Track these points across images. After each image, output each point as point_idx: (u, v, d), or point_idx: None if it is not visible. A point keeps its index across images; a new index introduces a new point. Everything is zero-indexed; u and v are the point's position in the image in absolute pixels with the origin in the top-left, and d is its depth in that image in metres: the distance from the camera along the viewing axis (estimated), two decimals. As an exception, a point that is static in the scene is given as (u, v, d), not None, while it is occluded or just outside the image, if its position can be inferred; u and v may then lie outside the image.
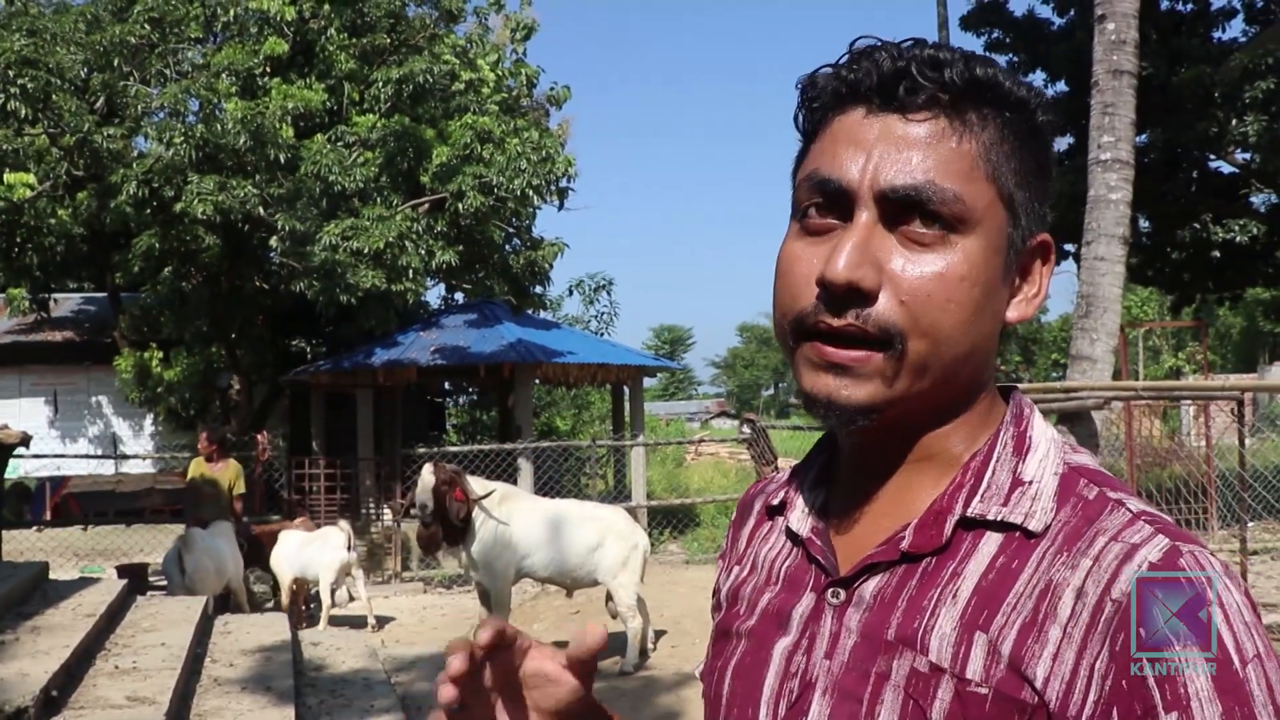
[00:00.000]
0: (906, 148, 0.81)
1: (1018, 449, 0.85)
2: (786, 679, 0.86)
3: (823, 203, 0.83)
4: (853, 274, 0.79)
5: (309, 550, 9.34)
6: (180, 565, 8.42)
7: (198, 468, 9.91)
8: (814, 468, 0.96)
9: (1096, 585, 0.76)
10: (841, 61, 0.85)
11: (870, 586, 0.84)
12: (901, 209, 0.81)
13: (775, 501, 0.97)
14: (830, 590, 0.86)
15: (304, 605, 9.82)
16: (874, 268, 0.80)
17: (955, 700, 0.77)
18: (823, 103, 0.86)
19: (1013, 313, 0.87)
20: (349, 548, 9.34)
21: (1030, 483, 0.83)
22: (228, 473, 9.97)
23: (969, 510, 0.82)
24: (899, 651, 0.80)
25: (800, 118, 0.89)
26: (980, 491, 0.83)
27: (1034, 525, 0.80)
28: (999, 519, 0.81)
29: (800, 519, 0.93)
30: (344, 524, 9.78)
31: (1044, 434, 0.87)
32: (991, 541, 0.81)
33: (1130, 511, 0.80)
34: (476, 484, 7.81)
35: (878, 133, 0.82)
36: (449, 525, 7.50)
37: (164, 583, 9.71)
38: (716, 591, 1.03)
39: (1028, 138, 0.85)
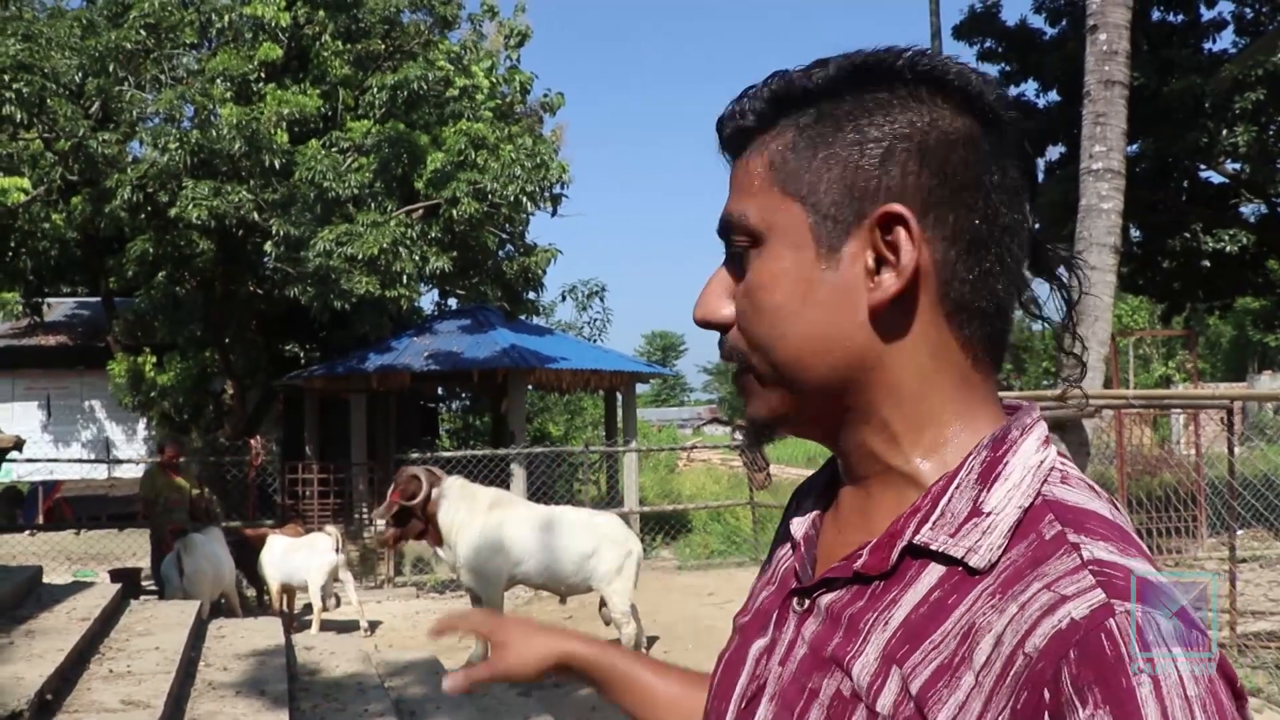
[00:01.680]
0: (730, 188, 0.88)
1: (984, 476, 0.79)
2: (752, 680, 0.87)
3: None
4: (698, 313, 0.88)
5: (295, 556, 9.35)
6: (179, 568, 8.43)
7: (159, 477, 9.93)
8: (825, 474, 0.97)
9: (1014, 635, 0.70)
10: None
11: (826, 599, 0.83)
12: (727, 241, 0.88)
13: (795, 501, 1.00)
14: (795, 598, 0.86)
15: (292, 610, 9.83)
16: (724, 301, 0.87)
17: None
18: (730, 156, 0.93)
19: (871, 297, 0.80)
20: (336, 551, 9.36)
21: (988, 514, 0.77)
22: (185, 479, 10.08)
23: (917, 537, 0.79)
24: (831, 670, 0.79)
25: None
26: (933, 519, 0.79)
27: (975, 561, 0.75)
28: (942, 550, 0.77)
29: (800, 521, 0.94)
30: (331, 528, 9.80)
31: (1025, 462, 0.80)
32: (933, 573, 0.77)
33: (1080, 559, 0.72)
34: (456, 485, 7.85)
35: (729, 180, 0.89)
36: (404, 523, 7.78)
37: (155, 588, 9.71)
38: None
39: (836, 123, 0.82)
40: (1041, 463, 0.80)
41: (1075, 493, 0.78)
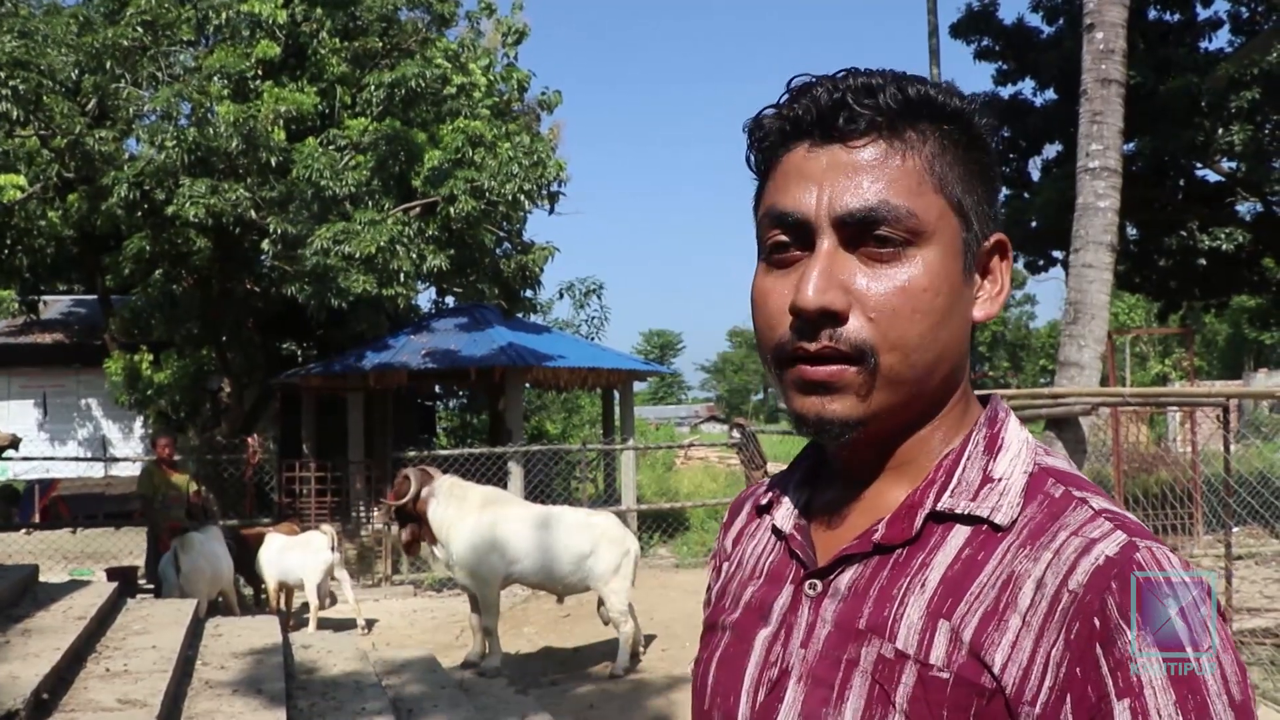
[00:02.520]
0: (855, 173, 0.86)
1: (989, 448, 0.89)
2: (766, 668, 0.90)
3: (785, 236, 0.88)
4: (821, 299, 0.84)
5: (291, 554, 9.36)
6: (176, 565, 8.43)
7: (157, 474, 9.89)
8: (800, 470, 1.01)
9: (1055, 577, 0.79)
10: (782, 101, 0.90)
11: (845, 578, 0.88)
12: (859, 231, 0.86)
13: (764, 501, 1.03)
14: (808, 582, 0.90)
15: (290, 608, 9.83)
16: (841, 290, 0.85)
17: (918, 684, 0.81)
18: (771, 142, 0.91)
19: (979, 311, 0.91)
20: (333, 549, 9.36)
21: (999, 479, 0.87)
22: (183, 476, 10.04)
23: (939, 504, 0.86)
24: (868, 639, 0.84)
25: (752, 159, 0.94)
26: (950, 487, 0.87)
27: (1000, 519, 0.84)
28: (967, 512, 0.85)
29: (785, 516, 0.97)
30: (327, 526, 9.81)
31: (1017, 436, 0.91)
32: (960, 534, 0.85)
33: (1092, 509, 0.83)
34: (446, 484, 7.86)
35: (825, 164, 0.87)
36: (405, 521, 7.83)
37: (151, 586, 9.71)
38: (708, 590, 1.08)
39: (968, 145, 0.90)
40: (1027, 438, 0.91)
41: (1061, 462, 0.90)
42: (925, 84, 0.89)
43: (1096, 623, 0.77)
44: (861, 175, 0.86)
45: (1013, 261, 0.94)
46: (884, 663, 0.83)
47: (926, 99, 0.88)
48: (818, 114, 0.87)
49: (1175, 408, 14.13)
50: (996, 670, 0.79)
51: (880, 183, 0.85)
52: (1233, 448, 8.11)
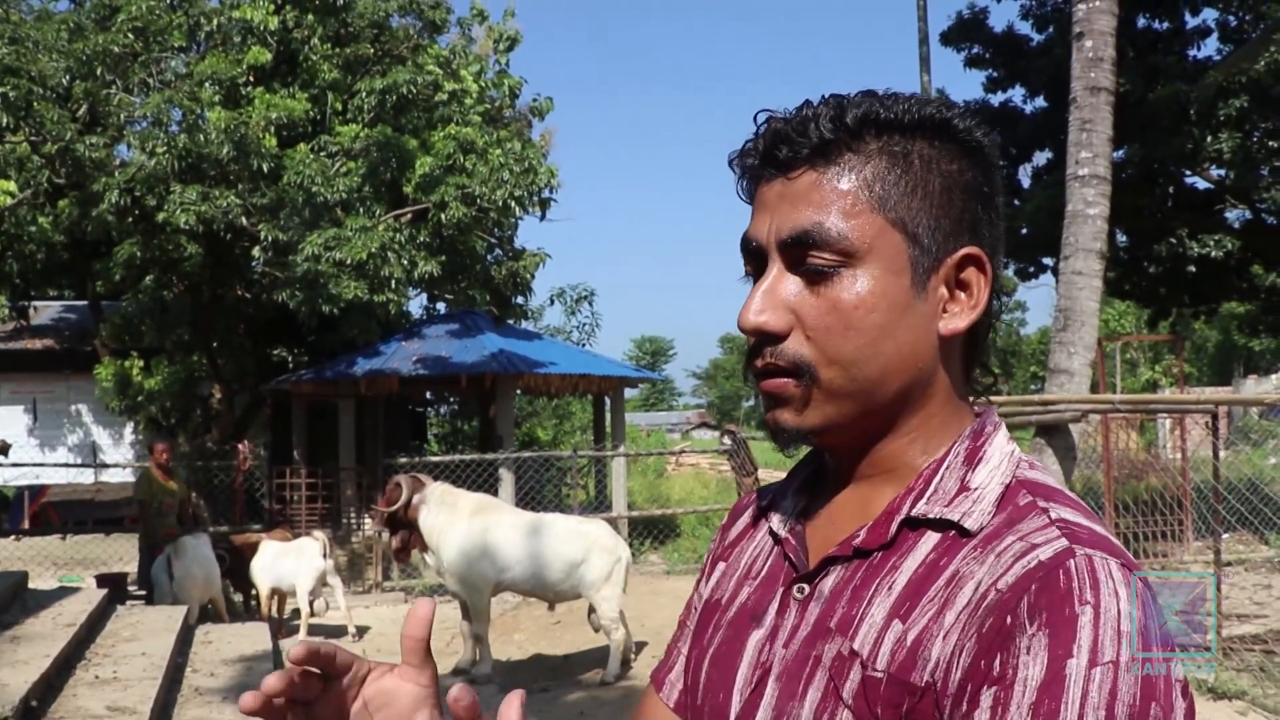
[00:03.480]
0: (794, 201, 0.91)
1: (969, 460, 0.91)
2: (756, 668, 0.93)
3: (751, 261, 0.95)
4: (756, 319, 0.91)
5: (284, 561, 9.34)
6: (169, 571, 8.40)
7: (156, 479, 9.86)
8: (800, 476, 1.04)
9: (991, 578, 0.82)
10: (746, 140, 0.96)
11: (829, 582, 0.91)
12: (798, 253, 0.91)
13: (764, 504, 1.06)
14: (796, 586, 0.94)
15: (282, 615, 9.81)
16: (781, 310, 0.91)
17: (861, 682, 0.84)
18: (747, 177, 0.97)
19: (946, 325, 0.92)
20: (324, 556, 9.35)
21: (975, 489, 0.89)
22: (179, 483, 10.01)
23: (914, 511, 0.89)
24: (833, 636, 0.88)
25: (740, 191, 0.99)
26: (927, 495, 0.90)
27: (970, 524, 0.87)
28: (939, 517, 0.88)
29: (781, 521, 1.01)
30: (319, 533, 9.79)
31: (1000, 449, 0.93)
32: (930, 540, 0.88)
33: (1049, 518, 0.85)
34: (437, 491, 7.85)
35: (776, 193, 0.93)
36: (396, 528, 7.80)
37: (142, 593, 9.68)
38: (698, 583, 1.11)
39: (934, 159, 0.92)
40: (1013, 452, 0.93)
41: (1043, 476, 0.92)
42: (871, 102, 0.91)
43: (1008, 619, 0.78)
44: (799, 201, 0.91)
45: (993, 273, 0.93)
46: (840, 659, 0.86)
47: (868, 119, 0.91)
48: (763, 150, 0.94)
49: (1165, 414, 14.18)
50: (929, 667, 0.82)
51: (811, 208, 0.90)
52: (1222, 454, 8.14)
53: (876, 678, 0.84)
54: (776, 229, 0.92)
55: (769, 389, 0.92)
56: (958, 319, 0.92)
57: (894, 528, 0.89)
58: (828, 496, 0.98)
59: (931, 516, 0.88)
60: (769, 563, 1.00)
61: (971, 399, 0.98)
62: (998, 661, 0.77)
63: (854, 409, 0.91)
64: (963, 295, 0.92)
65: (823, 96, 0.94)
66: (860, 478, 0.95)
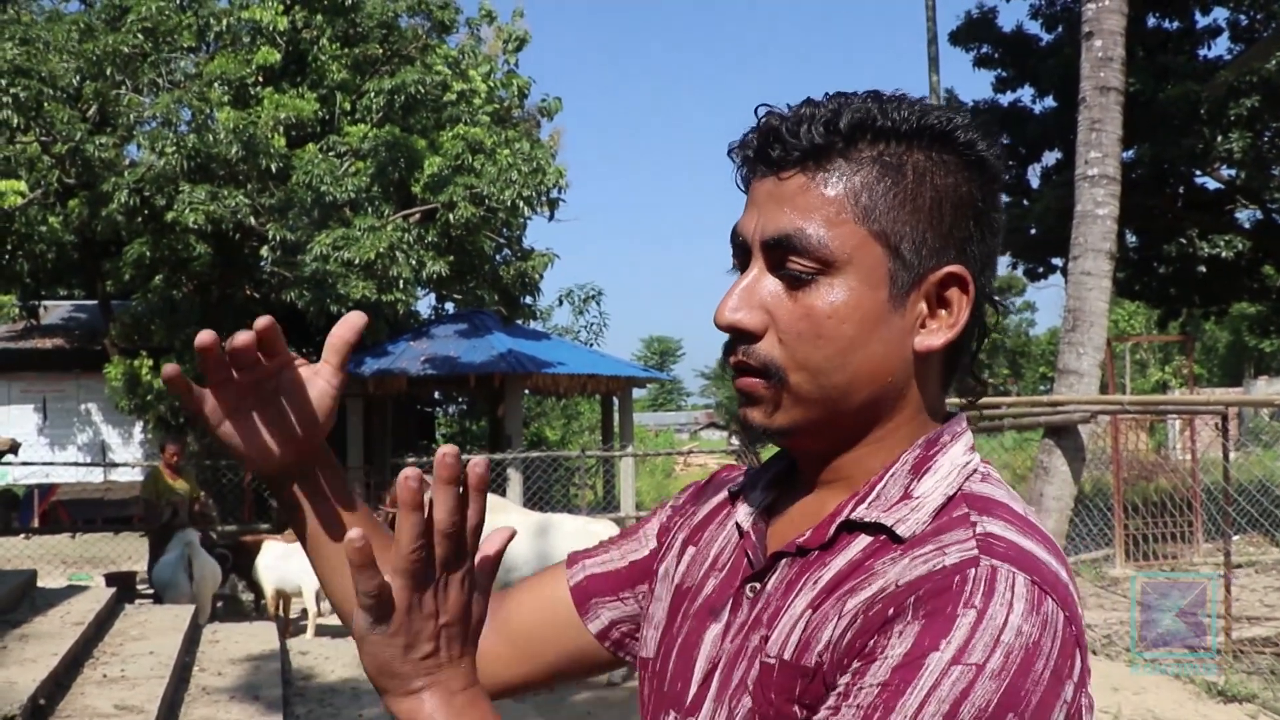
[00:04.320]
0: (780, 201, 0.90)
1: (916, 469, 0.90)
2: (709, 661, 0.95)
3: (737, 255, 0.95)
4: (731, 317, 0.91)
5: (290, 561, 9.35)
6: (189, 571, 8.41)
7: (163, 479, 9.87)
8: (771, 472, 1.04)
9: (897, 577, 0.82)
10: (744, 133, 0.96)
11: (774, 578, 0.92)
12: (779, 255, 0.90)
13: (736, 490, 1.06)
14: (748, 585, 0.95)
15: (288, 615, 9.82)
16: (757, 309, 0.91)
17: (761, 670, 0.87)
18: (745, 170, 0.96)
19: (921, 342, 0.90)
20: (329, 556, 9.35)
21: (917, 498, 0.88)
22: (187, 482, 10.01)
23: (853, 514, 0.89)
24: (759, 629, 0.90)
25: (737, 180, 0.99)
26: (869, 500, 0.90)
27: (903, 531, 0.86)
28: (874, 521, 0.88)
29: (747, 514, 1.01)
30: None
31: (953, 460, 0.91)
32: (862, 542, 0.88)
33: (973, 531, 0.83)
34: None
35: (765, 192, 0.92)
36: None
37: (150, 591, 9.69)
38: (647, 520, 1.14)
39: (929, 170, 0.90)
40: (967, 464, 0.91)
41: (992, 489, 0.90)
42: (870, 107, 0.89)
43: (892, 610, 0.79)
44: (785, 203, 0.90)
45: (978, 292, 0.91)
46: (752, 649, 0.89)
47: (863, 125, 0.89)
48: (757, 147, 0.93)
49: (1175, 416, 14.14)
50: (818, 649, 0.83)
51: (796, 213, 0.89)
52: (1233, 455, 8.11)
53: (770, 664, 0.86)
54: (761, 228, 0.91)
55: (740, 387, 0.93)
56: (934, 336, 0.90)
57: (833, 529, 0.90)
58: (795, 497, 0.98)
59: (868, 520, 0.88)
60: (732, 557, 1.00)
61: (946, 409, 0.97)
62: (872, 642, 0.79)
63: (820, 415, 0.91)
64: (943, 313, 0.91)
65: (826, 95, 0.92)
66: (822, 483, 0.95)
